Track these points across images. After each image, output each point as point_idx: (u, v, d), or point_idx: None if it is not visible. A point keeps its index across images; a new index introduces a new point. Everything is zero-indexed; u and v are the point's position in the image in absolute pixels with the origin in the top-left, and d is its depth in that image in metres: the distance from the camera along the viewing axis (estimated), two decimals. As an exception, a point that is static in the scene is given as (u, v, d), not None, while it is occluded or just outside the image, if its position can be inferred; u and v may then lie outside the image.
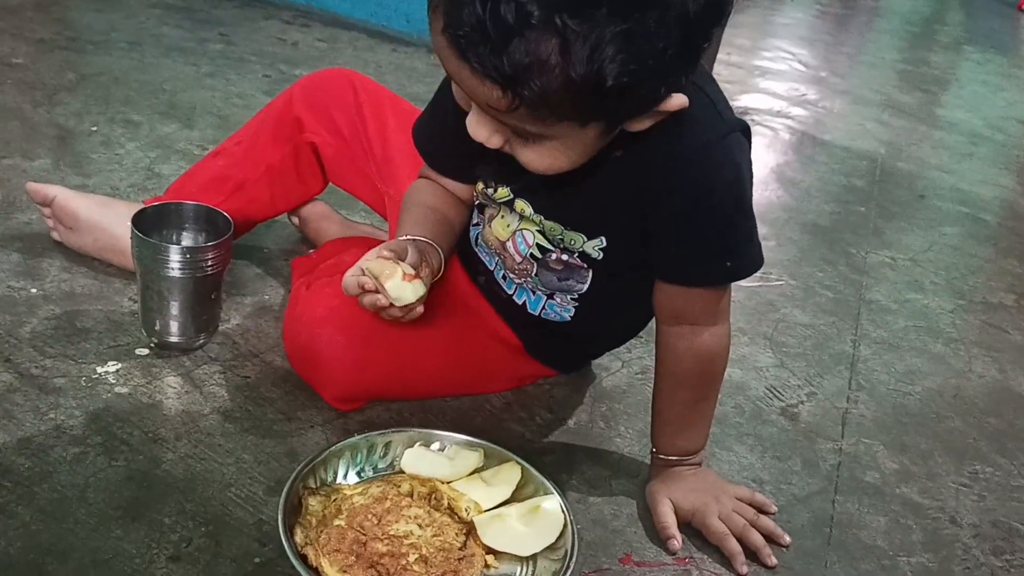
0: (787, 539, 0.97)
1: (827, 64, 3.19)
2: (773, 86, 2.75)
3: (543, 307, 1.04)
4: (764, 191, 1.96)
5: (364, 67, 2.13)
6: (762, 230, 1.75)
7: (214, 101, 1.77)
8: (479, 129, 0.80)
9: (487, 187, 1.00)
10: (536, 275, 1.00)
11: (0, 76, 1.66)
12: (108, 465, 0.90)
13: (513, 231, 1.00)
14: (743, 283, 1.51)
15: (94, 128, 1.56)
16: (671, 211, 0.89)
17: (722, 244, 0.91)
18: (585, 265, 0.98)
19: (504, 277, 1.05)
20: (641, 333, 1.15)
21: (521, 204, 0.97)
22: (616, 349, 1.21)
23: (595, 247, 0.95)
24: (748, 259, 0.93)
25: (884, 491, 1.11)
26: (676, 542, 0.94)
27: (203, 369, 1.07)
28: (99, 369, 1.03)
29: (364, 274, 0.89)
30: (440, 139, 1.02)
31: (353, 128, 1.18)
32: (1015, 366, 1.45)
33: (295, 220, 1.35)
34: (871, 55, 3.55)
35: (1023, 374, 1.43)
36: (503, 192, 0.98)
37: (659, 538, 0.95)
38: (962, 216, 2.05)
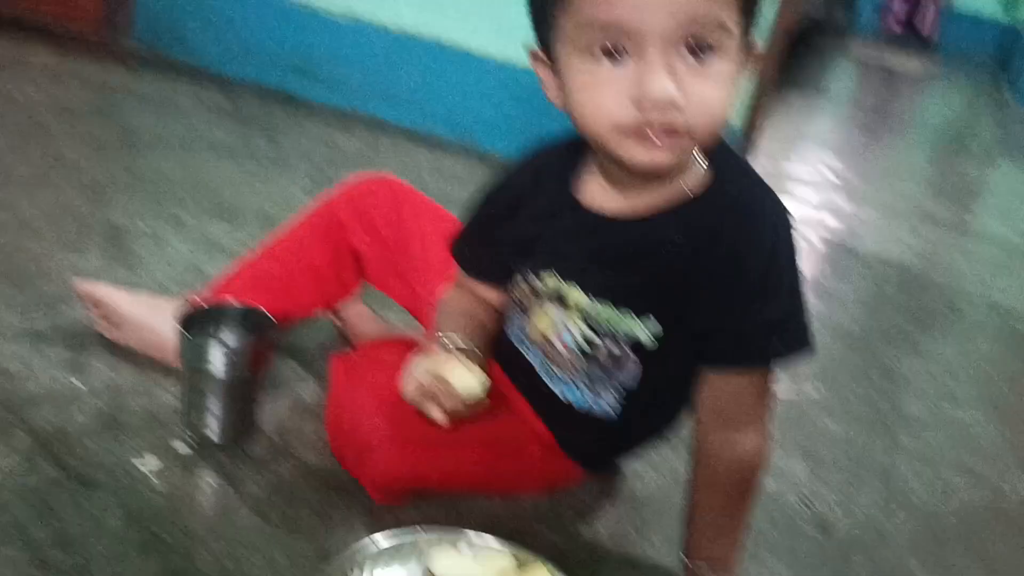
0: None
1: (859, 173, 3.22)
2: (805, 194, 2.78)
3: (590, 405, 1.03)
4: (797, 299, 1.96)
5: (404, 170, 2.19)
6: (795, 339, 1.75)
7: (260, 202, 1.82)
8: (662, 80, 0.80)
9: (532, 280, 1.02)
10: (586, 370, 1.01)
11: (58, 175, 1.73)
12: (144, 562, 0.91)
13: (557, 325, 1.01)
14: (777, 393, 1.51)
15: (144, 226, 1.61)
16: (728, 292, 0.91)
17: (774, 322, 0.92)
18: (635, 357, 0.97)
19: (549, 374, 1.05)
20: (670, 437, 1.15)
21: (569, 289, 0.98)
22: (647, 454, 1.21)
23: (646, 330, 0.95)
24: (797, 337, 0.93)
25: (921, 610, 1.08)
26: None
27: (239, 467, 1.08)
28: (139, 465, 1.05)
29: (420, 378, 0.92)
30: (480, 246, 1.06)
31: (393, 232, 1.22)
32: (1054, 483, 1.43)
33: (335, 319, 1.38)
34: (903, 165, 3.59)
35: (1063, 492, 1.41)
36: (551, 280, 1.00)
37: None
38: (997, 328, 2.04)
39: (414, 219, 1.22)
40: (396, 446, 1.02)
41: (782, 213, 0.93)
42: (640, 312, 0.95)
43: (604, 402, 1.02)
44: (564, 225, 0.99)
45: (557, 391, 1.05)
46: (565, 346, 1.01)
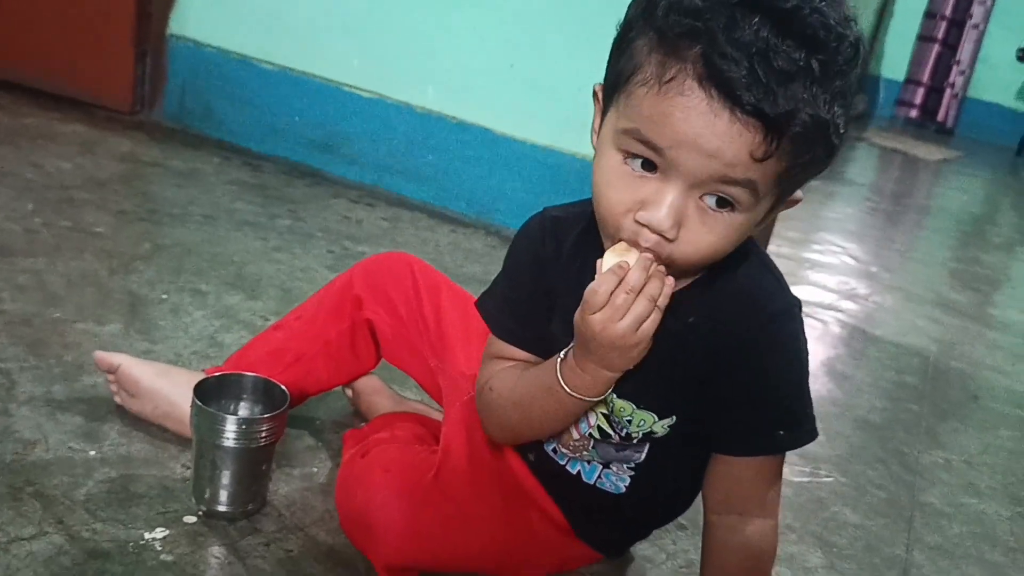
0: None
1: (877, 259, 3.22)
2: (823, 279, 2.78)
3: (599, 476, 1.03)
4: (814, 384, 1.93)
5: (424, 245, 2.22)
6: (812, 425, 1.73)
7: (279, 275, 1.84)
8: (668, 213, 0.80)
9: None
10: (593, 448, 1.01)
11: (81, 244, 1.76)
12: (147, 635, 0.90)
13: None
14: (793, 478, 1.50)
15: (164, 296, 1.63)
16: (738, 380, 0.91)
17: (782, 414, 0.93)
18: (646, 443, 0.98)
19: (555, 451, 1.04)
20: (687, 524, 1.13)
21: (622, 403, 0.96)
22: (660, 538, 1.19)
23: (665, 425, 0.96)
24: (804, 429, 0.94)
25: None
26: None
27: (248, 540, 1.07)
28: (147, 535, 1.04)
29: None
30: (520, 313, 1.02)
31: (409, 308, 1.23)
32: (1078, 580, 1.40)
33: (348, 393, 1.38)
34: (922, 252, 3.59)
35: (1087, 590, 1.38)
36: None
37: None
38: (1018, 419, 2.01)
39: (430, 296, 1.23)
40: (406, 528, 1.00)
41: (789, 301, 0.94)
42: (663, 415, 0.95)
43: (612, 473, 1.02)
44: None
45: (564, 464, 1.04)
46: (578, 429, 1.00)
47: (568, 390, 0.91)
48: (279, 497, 1.16)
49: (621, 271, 0.83)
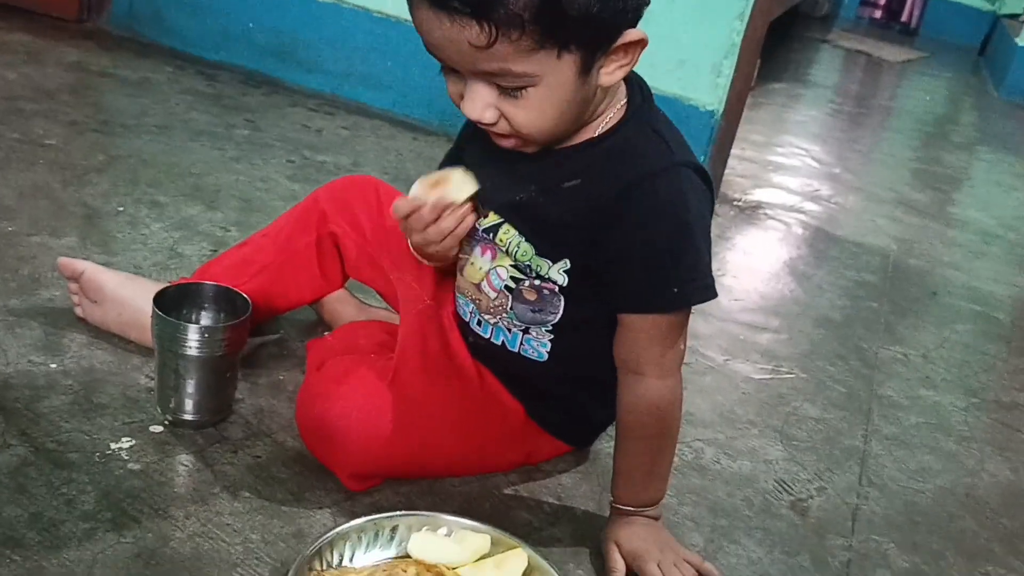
0: None
1: (840, 161, 3.23)
2: (786, 181, 2.79)
3: (521, 343, 1.07)
4: (777, 284, 1.98)
5: (386, 154, 2.19)
6: (774, 323, 1.77)
7: (238, 185, 1.81)
8: (473, 104, 0.90)
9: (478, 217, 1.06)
10: (511, 309, 1.05)
11: (32, 156, 1.72)
12: (117, 541, 0.91)
13: (486, 272, 1.06)
14: (754, 375, 1.52)
15: (120, 208, 1.60)
16: (620, 236, 0.96)
17: (667, 272, 0.96)
18: (556, 289, 1.03)
19: (479, 322, 1.09)
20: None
21: (507, 228, 1.03)
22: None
23: (560, 270, 1.01)
24: (694, 287, 0.97)
25: (894, 590, 1.09)
26: None
27: (215, 448, 1.08)
28: (113, 445, 1.04)
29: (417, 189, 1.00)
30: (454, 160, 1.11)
31: (373, 225, 1.23)
32: (1028, 466, 1.44)
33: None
34: (884, 153, 3.60)
35: (1036, 474, 1.42)
36: (493, 217, 1.05)
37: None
38: (975, 314, 2.05)
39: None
40: (366, 436, 1.02)
41: (673, 160, 0.96)
42: (556, 260, 1.01)
43: (532, 339, 1.07)
44: (501, 157, 1.01)
45: (488, 336, 1.09)
46: (492, 287, 1.06)
47: (411, 247, 1.10)
48: (245, 406, 1.16)
49: (416, 203, 0.99)
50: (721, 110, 2.21)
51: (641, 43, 0.90)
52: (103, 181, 1.69)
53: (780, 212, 2.48)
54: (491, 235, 1.05)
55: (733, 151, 2.60)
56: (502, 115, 0.91)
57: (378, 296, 1.30)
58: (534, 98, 0.89)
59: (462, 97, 0.91)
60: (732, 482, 1.24)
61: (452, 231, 1.01)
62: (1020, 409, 1.64)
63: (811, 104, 4.13)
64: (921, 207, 2.82)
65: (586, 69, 0.89)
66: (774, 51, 4.41)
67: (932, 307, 2.05)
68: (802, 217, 2.47)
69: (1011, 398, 1.68)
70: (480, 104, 0.90)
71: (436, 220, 1.00)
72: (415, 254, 1.10)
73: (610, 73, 0.91)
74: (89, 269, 1.22)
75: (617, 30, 0.88)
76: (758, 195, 2.58)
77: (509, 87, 0.88)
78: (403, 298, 1.16)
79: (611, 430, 1.22)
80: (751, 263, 2.08)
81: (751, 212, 2.41)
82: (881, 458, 1.38)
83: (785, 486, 1.26)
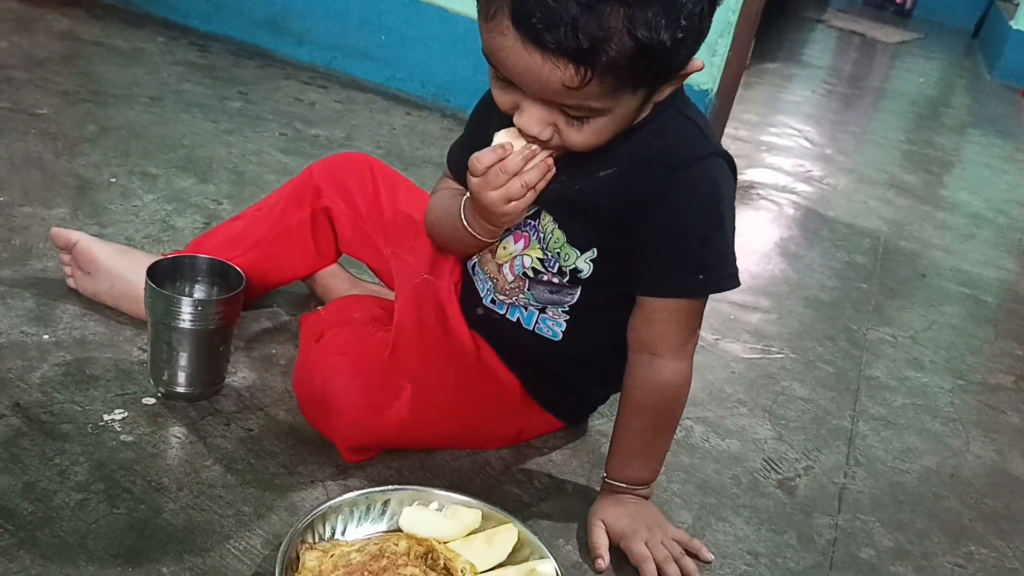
0: None
1: (832, 142, 3.24)
2: (779, 162, 2.80)
3: (536, 321, 1.08)
4: (767, 264, 1.98)
5: (379, 128, 2.18)
6: (764, 303, 1.78)
7: (231, 157, 1.80)
8: (532, 123, 0.89)
9: None
10: (528, 290, 1.06)
11: (24, 126, 1.71)
12: (110, 512, 0.91)
13: (513, 256, 1.06)
14: (743, 355, 1.53)
15: (112, 179, 1.59)
16: (653, 221, 0.96)
17: (696, 258, 0.97)
18: (568, 285, 1.04)
19: (494, 301, 1.10)
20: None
21: (544, 215, 1.03)
22: (613, 411, 1.22)
23: (587, 259, 1.01)
24: (720, 275, 0.99)
25: (879, 569, 1.11)
26: (603, 562, 0.99)
27: (208, 420, 1.08)
28: (106, 416, 1.04)
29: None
30: (465, 151, 1.04)
31: (367, 199, 1.23)
32: (1012, 448, 1.46)
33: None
34: (876, 134, 3.61)
35: (1020, 456, 1.44)
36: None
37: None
38: (963, 296, 2.07)
39: (388, 190, 1.24)
40: (365, 408, 1.03)
41: (711, 150, 0.97)
42: (584, 249, 1.01)
43: (548, 318, 1.07)
44: None
45: (503, 313, 1.09)
46: (513, 272, 1.06)
47: (465, 222, 1.02)
48: (238, 379, 1.17)
49: (504, 152, 0.92)
50: (715, 89, 2.21)
51: (700, 70, 0.91)
52: (95, 152, 1.68)
53: (772, 192, 2.48)
54: (534, 221, 1.04)
55: (727, 130, 2.60)
56: (556, 132, 0.90)
57: (370, 272, 1.30)
58: (598, 124, 0.89)
59: (514, 107, 0.90)
60: (721, 460, 1.25)
61: (534, 185, 0.94)
62: (1005, 391, 1.66)
63: (805, 84, 4.13)
64: (912, 189, 2.83)
65: (650, 96, 0.91)
66: (769, 31, 4.40)
67: (921, 289, 2.06)
68: (794, 198, 2.48)
69: (997, 380, 1.69)
70: (539, 123, 0.89)
71: (520, 171, 0.94)
72: (473, 225, 1.02)
73: (664, 92, 0.92)
74: (82, 240, 1.22)
75: (686, 63, 0.89)
76: (751, 175, 2.59)
77: (577, 116, 0.88)
78: (398, 273, 1.16)
79: (603, 408, 1.24)
80: (742, 243, 2.06)
81: (743, 192, 2.42)
82: (868, 438, 1.39)
83: (773, 465, 1.27)
